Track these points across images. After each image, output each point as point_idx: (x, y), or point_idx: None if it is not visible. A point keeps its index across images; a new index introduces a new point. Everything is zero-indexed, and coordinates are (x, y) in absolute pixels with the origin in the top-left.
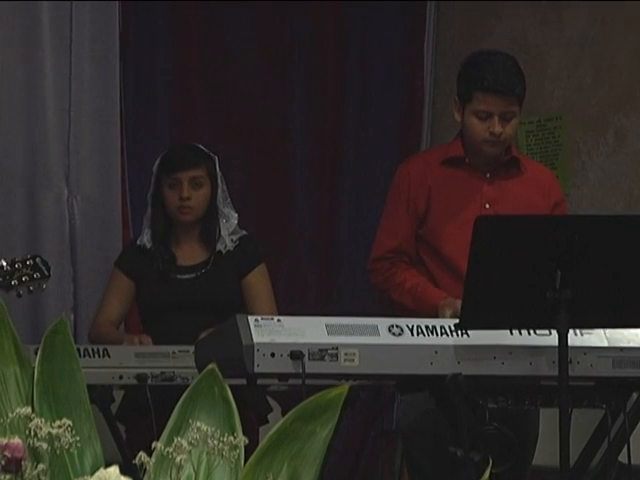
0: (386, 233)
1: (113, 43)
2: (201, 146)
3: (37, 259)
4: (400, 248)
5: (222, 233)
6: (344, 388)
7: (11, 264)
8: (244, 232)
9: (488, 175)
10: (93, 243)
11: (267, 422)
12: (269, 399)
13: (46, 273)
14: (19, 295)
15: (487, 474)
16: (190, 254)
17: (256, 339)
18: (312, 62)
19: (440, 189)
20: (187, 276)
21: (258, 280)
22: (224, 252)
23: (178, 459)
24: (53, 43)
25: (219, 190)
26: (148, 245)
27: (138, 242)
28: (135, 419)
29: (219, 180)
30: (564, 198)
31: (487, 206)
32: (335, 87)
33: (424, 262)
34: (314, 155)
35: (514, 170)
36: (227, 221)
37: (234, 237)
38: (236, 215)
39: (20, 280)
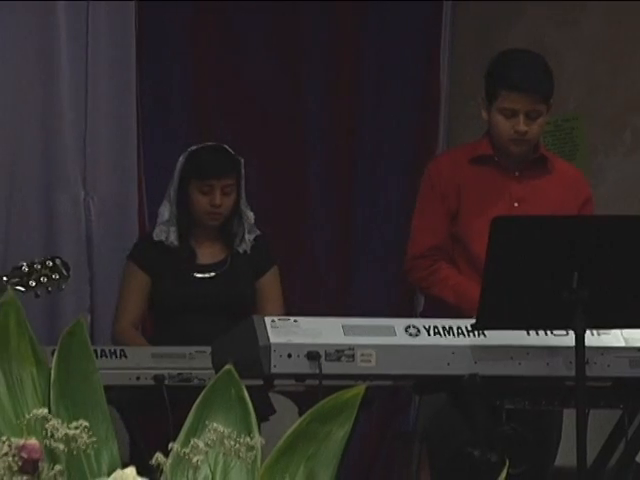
0: (424, 231)
1: (129, 44)
2: (228, 148)
3: (57, 260)
4: (440, 246)
5: (245, 237)
6: (361, 389)
7: (30, 265)
8: (259, 232)
9: (517, 173)
10: (110, 244)
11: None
12: (287, 399)
13: (65, 273)
14: (37, 295)
15: (504, 475)
16: (210, 252)
17: (273, 340)
18: (328, 62)
19: (469, 187)
20: (206, 275)
21: (271, 283)
22: (241, 252)
23: (195, 460)
24: (69, 44)
25: (242, 192)
26: (175, 243)
27: (155, 237)
28: (151, 420)
29: (243, 183)
30: (591, 196)
31: (516, 205)
32: (351, 87)
33: (455, 260)
34: (330, 155)
35: (542, 168)
36: (246, 221)
37: (250, 237)
38: (252, 214)
39: (38, 281)
